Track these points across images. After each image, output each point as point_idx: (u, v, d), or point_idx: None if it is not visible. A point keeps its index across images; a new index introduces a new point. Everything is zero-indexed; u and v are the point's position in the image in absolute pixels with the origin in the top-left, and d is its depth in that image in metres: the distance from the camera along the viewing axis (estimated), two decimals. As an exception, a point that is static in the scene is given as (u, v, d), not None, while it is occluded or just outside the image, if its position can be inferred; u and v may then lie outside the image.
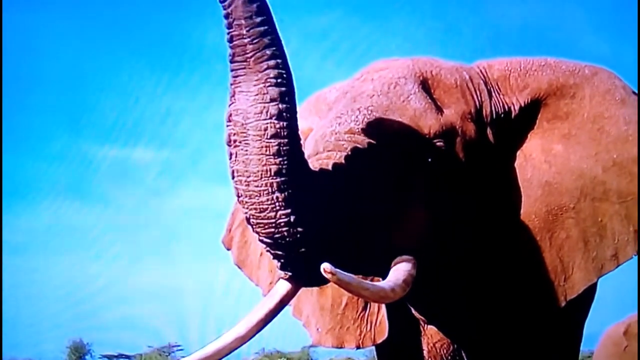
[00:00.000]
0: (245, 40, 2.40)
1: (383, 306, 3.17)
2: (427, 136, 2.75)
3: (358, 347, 3.24)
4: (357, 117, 2.73)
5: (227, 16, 2.40)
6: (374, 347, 3.37)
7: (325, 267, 2.34)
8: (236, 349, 2.60)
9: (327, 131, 2.73)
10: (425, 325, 3.23)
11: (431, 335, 3.23)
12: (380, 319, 3.20)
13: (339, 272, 2.36)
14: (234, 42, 2.41)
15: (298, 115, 3.16)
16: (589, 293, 3.13)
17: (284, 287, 2.64)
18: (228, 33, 2.42)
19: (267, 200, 2.42)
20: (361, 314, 3.23)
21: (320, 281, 2.51)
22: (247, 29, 2.39)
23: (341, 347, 3.26)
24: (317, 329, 3.29)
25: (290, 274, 2.58)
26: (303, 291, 3.30)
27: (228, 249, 3.75)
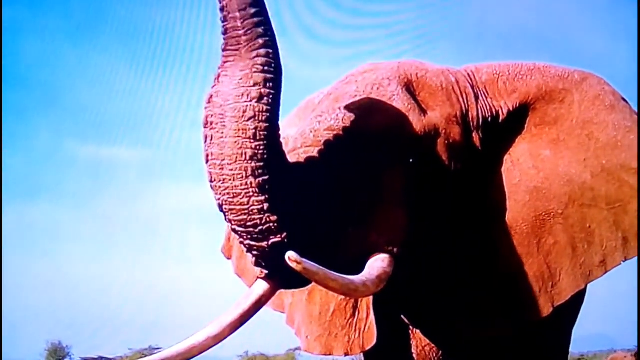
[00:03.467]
0: (240, 32, 2.40)
1: (372, 312, 3.13)
2: (409, 136, 2.73)
3: (346, 354, 3.20)
4: (337, 115, 2.70)
5: (222, 9, 2.41)
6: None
7: (291, 255, 2.29)
8: (209, 348, 2.55)
9: (307, 129, 2.71)
10: (415, 328, 3.20)
11: (420, 339, 3.19)
12: (368, 325, 3.15)
13: (305, 261, 2.31)
14: (229, 34, 2.42)
15: (288, 123, 3.12)
16: (578, 297, 3.10)
17: (260, 287, 2.60)
18: (223, 26, 2.42)
19: (241, 184, 2.39)
20: (349, 321, 3.19)
21: (297, 281, 2.46)
22: (242, 20, 2.39)
23: (330, 355, 3.22)
24: (307, 337, 3.25)
25: (265, 271, 2.54)
26: (295, 300, 3.28)
27: (228, 259, 3.72)
